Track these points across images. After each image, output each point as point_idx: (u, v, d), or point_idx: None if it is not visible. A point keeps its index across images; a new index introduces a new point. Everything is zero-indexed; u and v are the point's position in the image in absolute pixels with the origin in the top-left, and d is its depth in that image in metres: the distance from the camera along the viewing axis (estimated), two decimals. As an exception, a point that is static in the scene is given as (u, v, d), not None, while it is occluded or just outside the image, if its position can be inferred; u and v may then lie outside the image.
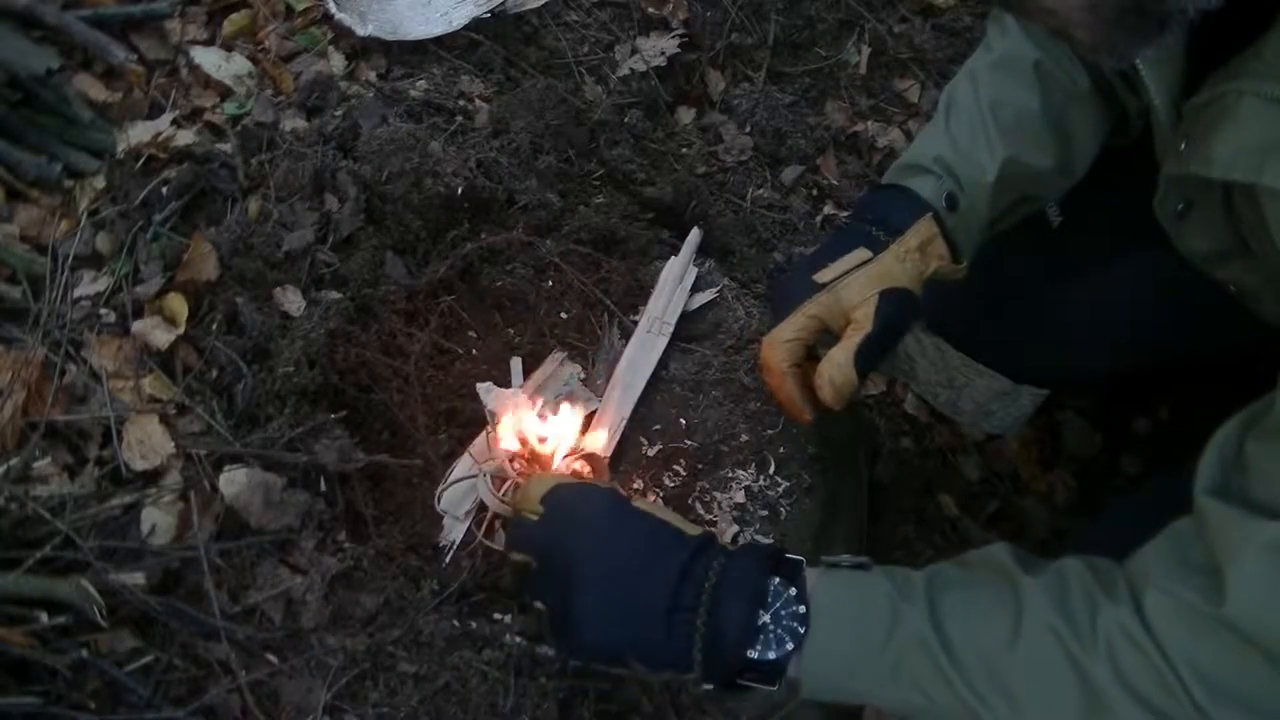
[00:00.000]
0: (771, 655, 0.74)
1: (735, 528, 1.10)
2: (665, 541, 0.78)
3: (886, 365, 1.09)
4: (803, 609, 0.74)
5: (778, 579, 0.75)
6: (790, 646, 0.74)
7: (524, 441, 1.10)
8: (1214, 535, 0.69)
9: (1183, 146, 0.82)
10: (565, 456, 1.11)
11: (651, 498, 1.13)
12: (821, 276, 0.96)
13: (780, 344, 0.97)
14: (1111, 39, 0.69)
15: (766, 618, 0.74)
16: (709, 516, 1.11)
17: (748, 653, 0.74)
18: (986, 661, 0.71)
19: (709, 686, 0.77)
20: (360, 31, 1.45)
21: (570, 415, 1.10)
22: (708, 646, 0.75)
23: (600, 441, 1.14)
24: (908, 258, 0.97)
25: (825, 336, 0.99)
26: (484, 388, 1.15)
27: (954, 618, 0.73)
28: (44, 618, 0.91)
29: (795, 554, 0.78)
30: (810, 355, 1.00)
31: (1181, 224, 0.92)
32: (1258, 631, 0.65)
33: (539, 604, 0.85)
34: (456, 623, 1.03)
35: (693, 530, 0.80)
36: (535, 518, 0.84)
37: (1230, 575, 0.66)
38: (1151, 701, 0.67)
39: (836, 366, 0.94)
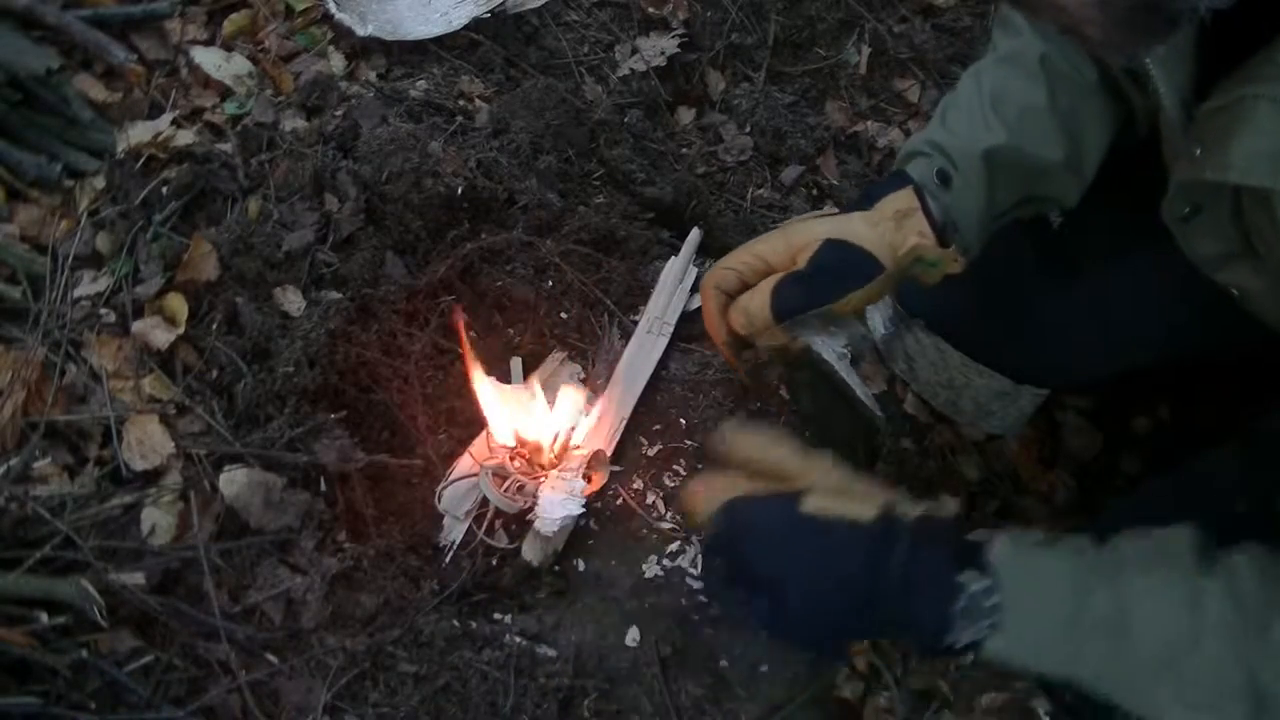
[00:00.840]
0: (965, 639, 0.74)
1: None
2: (841, 541, 0.77)
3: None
4: (992, 602, 0.73)
5: (964, 575, 0.74)
6: (984, 634, 0.74)
7: (521, 440, 1.10)
8: None
9: (1198, 152, 0.82)
10: (567, 448, 1.11)
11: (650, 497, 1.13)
12: (786, 222, 0.97)
13: (718, 270, 0.96)
14: (1121, 36, 0.68)
15: (957, 607, 0.74)
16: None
17: (945, 641, 0.75)
18: (1165, 654, 0.72)
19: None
20: (360, 31, 1.45)
21: (570, 400, 1.11)
22: (909, 632, 0.77)
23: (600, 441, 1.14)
24: (881, 223, 0.95)
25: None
26: (516, 361, 1.15)
27: (1137, 605, 0.73)
28: (44, 618, 0.91)
29: (976, 538, 0.77)
30: None
31: (1188, 227, 0.91)
32: None
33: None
34: (456, 623, 1.03)
35: (866, 514, 0.77)
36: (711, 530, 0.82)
37: None
38: None
39: (751, 293, 0.93)
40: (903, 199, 0.95)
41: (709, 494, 0.81)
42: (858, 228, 0.94)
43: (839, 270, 0.94)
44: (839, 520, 0.77)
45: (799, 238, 0.94)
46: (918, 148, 1.00)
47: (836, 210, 0.95)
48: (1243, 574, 0.74)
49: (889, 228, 0.95)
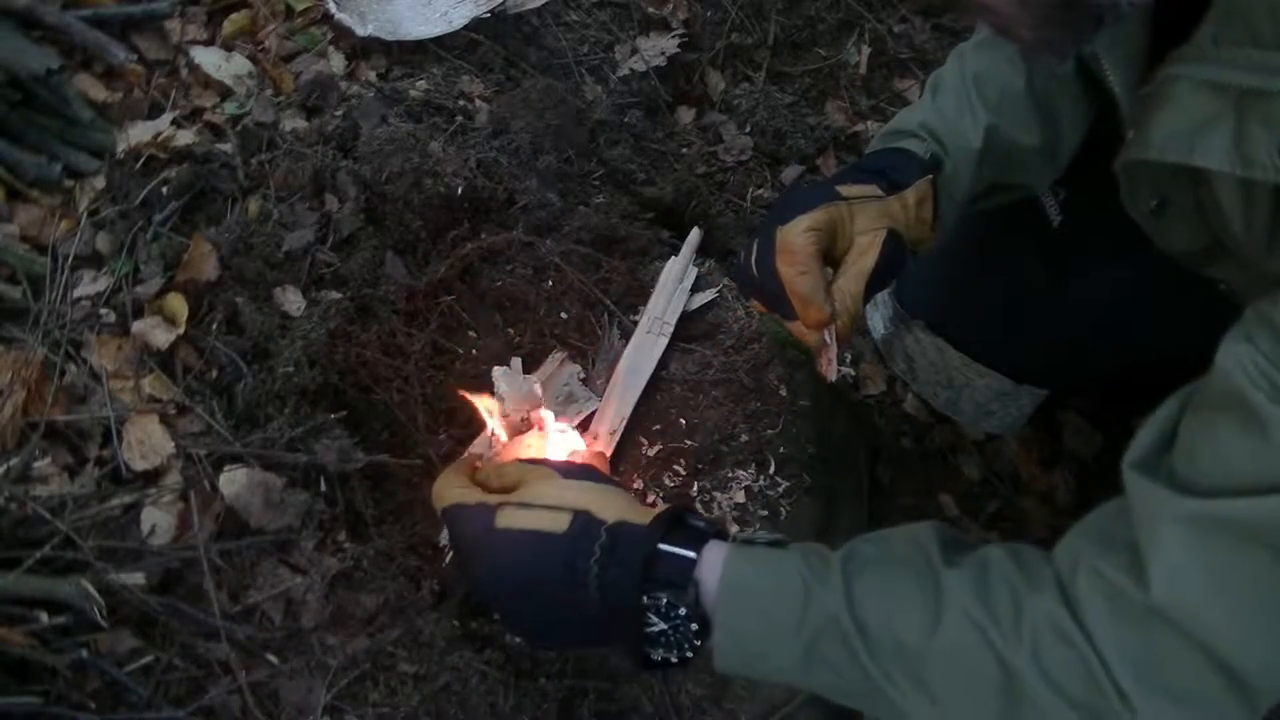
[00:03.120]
0: (674, 659, 0.73)
1: (735, 528, 1.10)
2: (531, 555, 0.75)
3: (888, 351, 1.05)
4: (695, 627, 0.71)
5: (661, 589, 0.71)
6: (690, 654, 0.72)
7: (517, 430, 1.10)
8: (1135, 510, 0.68)
9: (1130, 134, 0.84)
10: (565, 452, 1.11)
11: (652, 498, 1.13)
12: (846, 190, 0.94)
13: (805, 229, 0.90)
14: (1049, 35, 0.70)
15: (656, 625, 0.72)
16: (709, 516, 1.11)
17: (653, 658, 0.74)
18: (903, 649, 0.69)
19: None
20: (360, 31, 1.45)
21: (565, 435, 1.11)
22: (617, 646, 0.75)
23: (600, 444, 1.14)
24: (906, 211, 0.95)
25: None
26: (499, 371, 1.15)
27: (870, 601, 0.71)
28: (44, 618, 0.91)
29: (684, 547, 0.74)
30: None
31: (1158, 222, 0.92)
32: (1181, 615, 0.63)
33: None
34: (456, 623, 1.03)
35: (559, 525, 0.74)
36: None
37: (1149, 554, 0.65)
38: (1074, 694, 0.66)
39: (850, 295, 0.91)
40: (923, 188, 0.96)
41: (439, 494, 0.82)
42: (898, 214, 0.94)
43: (898, 262, 0.94)
44: (529, 532, 0.75)
45: (863, 220, 0.93)
46: (910, 128, 1.01)
47: (877, 191, 0.95)
48: (993, 563, 0.72)
49: (913, 216, 0.95)
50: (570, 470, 0.82)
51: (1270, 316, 0.65)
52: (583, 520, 0.74)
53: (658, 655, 0.73)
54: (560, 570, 0.73)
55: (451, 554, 0.82)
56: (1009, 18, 0.69)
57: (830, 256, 0.93)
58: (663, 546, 0.73)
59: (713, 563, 0.72)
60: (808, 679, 0.72)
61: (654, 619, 0.71)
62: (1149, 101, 0.80)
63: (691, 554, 0.72)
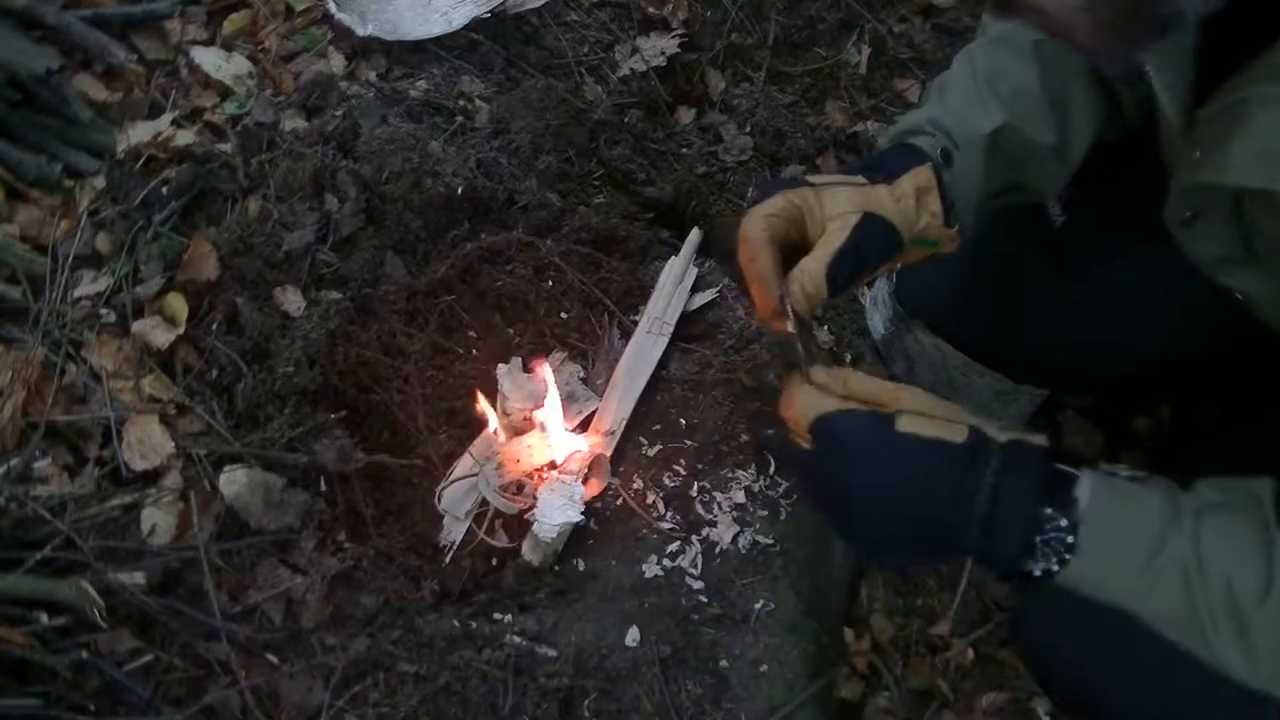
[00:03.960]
0: (1036, 571, 0.76)
1: (735, 528, 1.10)
2: (932, 461, 0.76)
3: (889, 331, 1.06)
4: (1071, 539, 0.74)
5: (1050, 509, 0.75)
6: (1055, 568, 0.75)
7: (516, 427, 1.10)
8: None
9: (1197, 155, 0.82)
10: (566, 452, 1.11)
11: (641, 493, 1.14)
12: (816, 179, 0.93)
13: (761, 215, 0.91)
14: (1110, 41, 0.69)
15: (1039, 539, 0.75)
16: (709, 516, 1.11)
17: (1022, 567, 0.76)
18: (1236, 605, 0.73)
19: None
20: (360, 31, 1.45)
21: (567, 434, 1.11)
22: (986, 558, 0.78)
23: (600, 444, 1.14)
24: (902, 199, 0.93)
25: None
26: (503, 369, 1.15)
27: (1213, 551, 0.74)
28: (44, 618, 0.91)
29: (1069, 468, 0.78)
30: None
31: (1189, 231, 0.91)
32: None
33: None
34: (456, 623, 1.03)
35: (958, 436, 0.77)
36: (806, 445, 0.81)
37: None
38: None
39: (808, 275, 0.90)
40: (923, 176, 0.94)
41: (801, 408, 0.80)
42: (885, 201, 0.93)
43: (877, 246, 0.93)
44: (932, 439, 0.76)
45: (833, 205, 0.92)
46: (918, 125, 0.99)
47: (861, 179, 0.93)
48: None
49: (910, 205, 0.94)
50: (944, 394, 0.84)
51: None
52: (979, 434, 0.76)
53: (1036, 568, 0.75)
54: (957, 476, 0.75)
55: (818, 463, 0.80)
56: (1068, 22, 0.68)
57: (800, 245, 0.92)
58: (1055, 465, 0.76)
59: (1084, 486, 0.76)
60: (1144, 603, 0.76)
61: (1033, 532, 0.75)
62: (1218, 122, 0.78)
63: (1076, 471, 0.76)
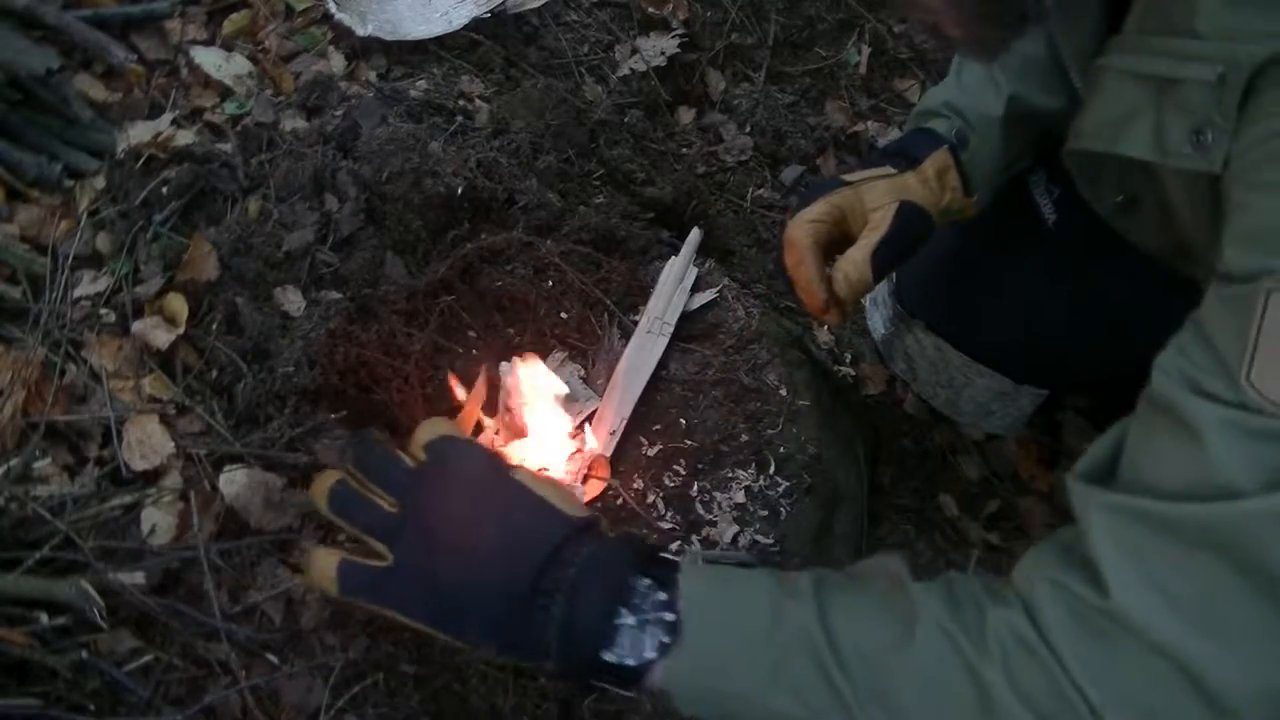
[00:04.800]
0: (630, 661, 0.66)
1: (735, 528, 1.10)
2: (543, 519, 0.69)
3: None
4: (671, 616, 0.65)
5: (647, 580, 0.67)
6: (651, 655, 0.65)
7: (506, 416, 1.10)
8: (1078, 517, 0.67)
9: (1072, 124, 0.86)
10: (567, 457, 1.11)
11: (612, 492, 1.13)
12: (850, 177, 1.01)
13: (805, 222, 0.99)
14: (977, 32, 0.72)
15: (630, 619, 0.66)
16: (709, 516, 1.11)
17: (603, 654, 0.66)
18: (876, 664, 0.65)
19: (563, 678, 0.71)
20: (360, 31, 1.45)
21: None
22: (563, 638, 0.66)
23: (600, 444, 1.14)
24: (926, 184, 1.02)
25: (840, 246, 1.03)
26: (507, 368, 1.15)
27: (843, 617, 0.66)
28: (44, 618, 0.91)
29: (670, 555, 0.70)
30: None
31: (1126, 217, 0.93)
32: (1140, 623, 0.60)
33: (389, 552, 0.70)
34: (456, 623, 1.03)
35: (577, 512, 0.70)
36: (413, 463, 0.73)
37: (1098, 559, 0.63)
38: (1044, 707, 0.61)
39: (853, 263, 0.98)
40: (941, 158, 1.02)
41: (433, 423, 0.74)
42: (914, 187, 1.01)
43: (915, 231, 1.01)
44: (544, 500, 0.70)
45: (872, 198, 1.00)
46: (935, 108, 1.06)
47: (891, 170, 1.02)
48: (956, 580, 0.70)
49: (934, 185, 1.02)
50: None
51: (1200, 323, 0.65)
52: (592, 520, 0.71)
53: (611, 656, 0.65)
54: (550, 544, 0.67)
55: (419, 479, 0.71)
56: (938, 14, 0.71)
57: (847, 240, 1.00)
58: (656, 548, 0.71)
59: (688, 570, 0.69)
60: (769, 706, 0.66)
61: (623, 612, 0.66)
62: (1086, 90, 0.82)
63: (675, 559, 0.69)
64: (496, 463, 0.72)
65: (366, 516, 0.70)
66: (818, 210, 0.99)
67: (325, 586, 0.69)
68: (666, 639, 0.65)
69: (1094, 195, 0.95)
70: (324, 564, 0.69)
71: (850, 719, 0.64)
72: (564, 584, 0.66)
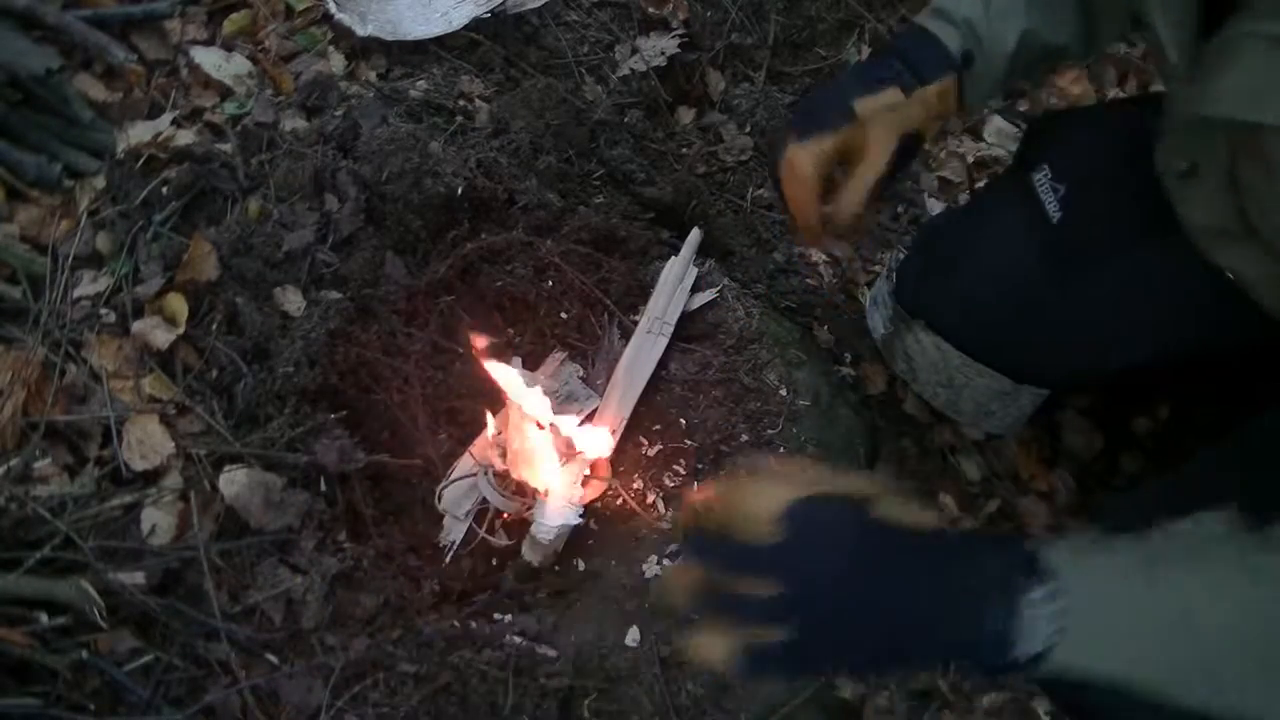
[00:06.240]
0: (1031, 650, 0.69)
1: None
2: (908, 550, 0.71)
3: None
4: (1058, 606, 0.69)
5: (1034, 583, 0.69)
6: (1050, 645, 0.69)
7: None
8: None
9: (1193, 90, 0.84)
10: (567, 457, 1.11)
11: (647, 496, 1.13)
12: (861, 108, 1.04)
13: (811, 152, 1.04)
14: None
15: (1025, 614, 0.68)
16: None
17: (1010, 654, 0.69)
18: (1236, 640, 0.69)
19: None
20: (360, 31, 1.45)
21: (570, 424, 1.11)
22: (979, 647, 0.70)
23: (602, 445, 1.14)
24: (925, 104, 1.05)
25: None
26: (516, 361, 1.15)
27: (1197, 595, 0.70)
28: (44, 618, 0.91)
29: (1037, 545, 0.71)
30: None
31: (1186, 189, 0.93)
32: None
33: (778, 630, 0.70)
34: (456, 623, 1.03)
35: (929, 522, 0.72)
36: (768, 539, 0.71)
37: None
38: None
39: (853, 204, 1.04)
40: (947, 83, 1.05)
41: (768, 497, 0.71)
42: (915, 112, 1.05)
43: (910, 157, 1.07)
44: (907, 528, 0.71)
45: (874, 135, 1.04)
46: (954, 17, 1.07)
47: (899, 95, 1.04)
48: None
49: (934, 106, 1.05)
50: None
51: None
52: (950, 533, 0.74)
53: (1017, 650, 0.69)
54: (932, 562, 0.70)
55: (783, 556, 0.70)
56: None
57: (845, 163, 1.05)
58: (1026, 545, 0.71)
59: (1056, 558, 0.70)
60: (1142, 672, 0.71)
61: (1025, 613, 0.68)
62: (1215, 56, 0.80)
63: (1044, 548, 0.70)
64: (863, 515, 0.71)
65: (756, 609, 0.69)
66: (827, 145, 1.03)
67: (726, 672, 0.69)
68: (1060, 626, 0.69)
69: (1163, 161, 0.96)
70: (720, 651, 0.69)
71: (1215, 689, 0.69)
72: (964, 609, 0.69)
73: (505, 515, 1.11)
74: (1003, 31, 1.06)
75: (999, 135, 1.69)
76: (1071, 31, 1.07)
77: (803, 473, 0.73)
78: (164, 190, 1.25)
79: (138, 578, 0.98)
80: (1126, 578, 0.70)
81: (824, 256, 1.50)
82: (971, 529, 0.72)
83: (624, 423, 1.17)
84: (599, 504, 1.13)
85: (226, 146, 1.31)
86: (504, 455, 1.08)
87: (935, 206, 1.59)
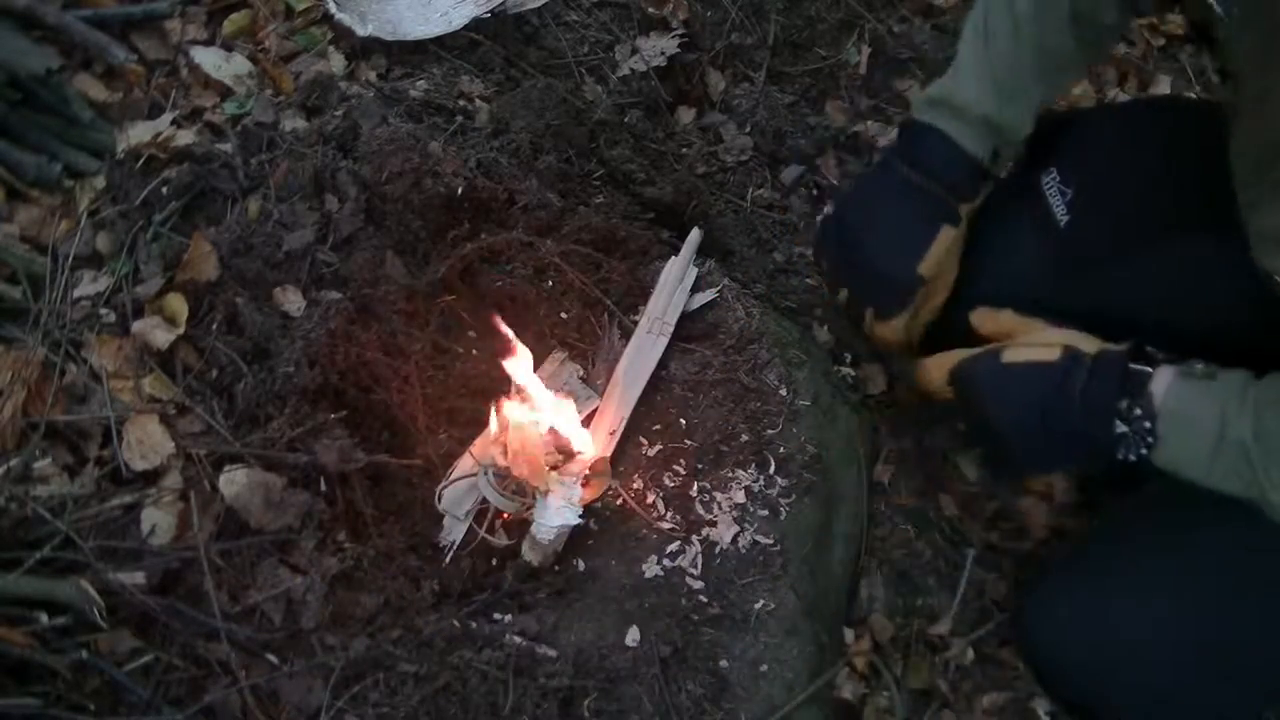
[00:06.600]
0: (1132, 456, 0.93)
1: (735, 528, 1.10)
2: (1033, 381, 0.96)
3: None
4: (1148, 424, 0.91)
5: (1126, 403, 0.92)
6: (1144, 452, 0.93)
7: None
8: None
9: None
10: (566, 460, 1.11)
11: (648, 496, 1.14)
12: (927, 270, 1.10)
13: (896, 329, 1.14)
14: None
15: (1122, 430, 0.92)
16: (709, 516, 1.11)
17: (1116, 455, 0.94)
18: None
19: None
20: (360, 31, 1.45)
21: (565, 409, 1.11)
22: (1098, 451, 0.95)
23: (600, 444, 1.14)
24: (971, 213, 1.12)
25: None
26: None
27: (1270, 427, 0.86)
28: (44, 618, 0.91)
29: (1141, 365, 0.94)
30: None
31: (1269, 193, 0.92)
32: None
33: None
34: (456, 623, 1.03)
35: (1052, 356, 0.96)
36: (948, 395, 1.05)
37: None
38: None
39: (938, 364, 1.08)
40: (988, 189, 1.12)
41: (938, 371, 1.05)
42: (964, 234, 1.13)
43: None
44: (1030, 363, 0.96)
45: (944, 276, 1.14)
46: (968, 114, 1.07)
47: (949, 229, 1.10)
48: None
49: (974, 214, 1.13)
50: (1058, 321, 1.03)
51: None
52: (1070, 352, 0.96)
53: (1122, 454, 0.93)
54: (1055, 388, 0.94)
55: (963, 402, 1.03)
56: None
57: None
58: (1131, 365, 0.93)
59: (1161, 379, 0.92)
60: (1213, 478, 0.91)
61: (1119, 424, 0.92)
62: None
63: (1149, 369, 0.93)
64: (990, 360, 1.01)
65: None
66: (905, 320, 1.13)
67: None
68: (1150, 441, 0.92)
69: (1252, 171, 0.95)
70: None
71: (1266, 495, 0.88)
72: (1074, 417, 0.94)
73: (505, 515, 1.11)
74: (1018, 114, 1.08)
75: (999, 135, 1.69)
76: (1076, 74, 1.09)
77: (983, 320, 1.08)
78: (164, 190, 1.25)
79: (138, 578, 0.98)
80: (1212, 411, 0.89)
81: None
82: (1097, 349, 0.97)
83: (624, 423, 1.17)
84: (599, 504, 1.13)
85: (226, 146, 1.31)
86: (505, 452, 1.08)
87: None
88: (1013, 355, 0.98)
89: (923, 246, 1.09)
